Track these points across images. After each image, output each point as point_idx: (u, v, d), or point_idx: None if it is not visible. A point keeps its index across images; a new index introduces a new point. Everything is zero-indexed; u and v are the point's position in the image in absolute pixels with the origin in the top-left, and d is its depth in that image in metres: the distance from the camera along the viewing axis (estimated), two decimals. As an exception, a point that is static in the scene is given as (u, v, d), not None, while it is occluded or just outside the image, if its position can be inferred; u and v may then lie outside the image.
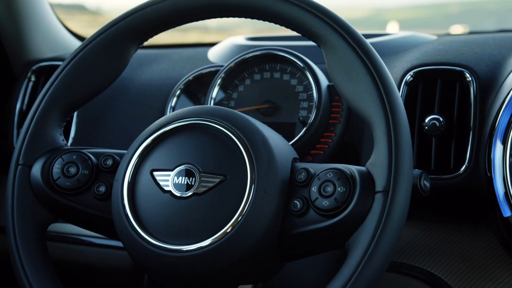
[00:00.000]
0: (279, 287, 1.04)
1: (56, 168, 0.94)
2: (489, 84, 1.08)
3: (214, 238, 0.81)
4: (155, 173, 0.88)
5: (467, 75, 1.10)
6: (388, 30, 1.55)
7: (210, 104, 1.20)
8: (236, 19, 0.97)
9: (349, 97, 0.86)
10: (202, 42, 1.72)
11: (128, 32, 0.97)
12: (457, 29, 1.80)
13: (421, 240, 1.17)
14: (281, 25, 0.92)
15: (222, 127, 0.87)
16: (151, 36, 0.99)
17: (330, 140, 1.14)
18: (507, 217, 0.97)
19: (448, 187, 1.07)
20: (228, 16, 0.95)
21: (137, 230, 0.85)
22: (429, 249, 1.16)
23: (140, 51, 1.55)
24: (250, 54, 1.20)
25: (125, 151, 0.93)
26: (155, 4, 0.95)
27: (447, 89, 1.11)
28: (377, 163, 0.81)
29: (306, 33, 0.90)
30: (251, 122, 0.88)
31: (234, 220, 0.81)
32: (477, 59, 1.13)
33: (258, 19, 0.94)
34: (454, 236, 1.15)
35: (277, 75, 1.21)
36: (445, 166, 1.09)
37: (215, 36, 1.53)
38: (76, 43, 1.71)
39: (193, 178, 0.85)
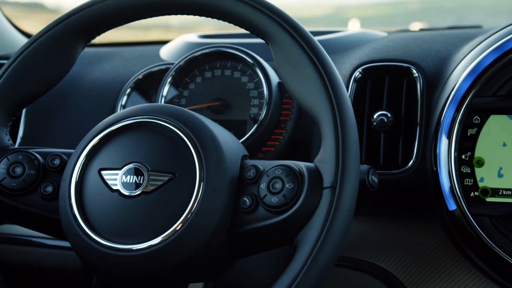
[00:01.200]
0: (230, 285, 1.04)
1: (1, 168, 0.92)
2: (435, 80, 1.10)
3: (164, 236, 0.81)
4: (103, 172, 0.87)
5: (414, 71, 1.11)
6: (349, 27, 1.57)
7: (160, 102, 1.19)
8: (199, 17, 0.96)
9: (297, 94, 0.87)
10: (155, 40, 1.71)
11: (74, 30, 0.96)
12: (416, 26, 1.82)
13: (371, 234, 1.18)
14: (229, 22, 0.92)
15: (171, 125, 0.86)
16: (98, 34, 0.98)
17: (281, 137, 1.14)
18: (452, 211, 0.99)
19: (397, 182, 1.08)
20: (175, 14, 0.95)
21: (85, 230, 0.84)
22: (378, 244, 1.18)
23: (91, 49, 1.53)
24: (200, 52, 1.20)
25: (73, 151, 0.92)
26: (101, 2, 0.93)
27: (395, 85, 1.13)
28: (324, 159, 0.82)
29: (254, 31, 0.90)
30: (200, 119, 0.88)
31: (184, 218, 0.81)
32: (424, 56, 1.14)
33: (206, 16, 0.93)
34: (403, 230, 1.17)
35: (228, 72, 1.21)
36: (393, 161, 1.11)
37: (177, 34, 1.53)
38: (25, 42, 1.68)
39: (142, 177, 0.84)
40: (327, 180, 0.80)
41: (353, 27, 1.98)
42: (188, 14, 0.94)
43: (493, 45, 1.00)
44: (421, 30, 1.55)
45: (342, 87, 0.84)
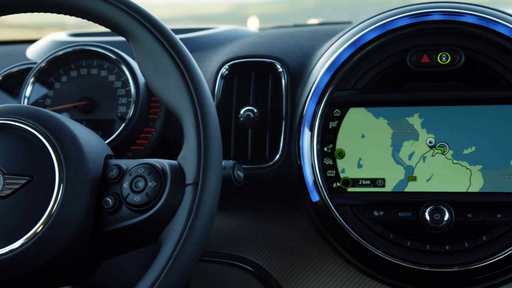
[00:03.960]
0: (98, 286, 1.03)
1: None
2: (299, 75, 1.13)
3: (25, 239, 0.79)
4: None
5: (278, 66, 1.14)
6: (248, 25, 1.56)
7: (24, 103, 1.16)
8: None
9: (159, 92, 0.86)
10: (23, 39, 1.65)
11: None
12: (313, 22, 1.85)
13: (241, 229, 1.20)
14: (89, 20, 0.90)
15: (27, 126, 0.84)
16: None
17: (150, 135, 1.14)
18: (315, 202, 1.02)
19: (265, 176, 1.10)
20: (31, 12, 0.92)
21: None
22: (248, 238, 1.19)
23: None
24: (62, 51, 1.17)
25: None
26: None
27: (261, 81, 1.15)
28: (187, 156, 0.82)
29: (114, 28, 0.89)
30: (59, 120, 0.86)
31: (44, 220, 0.79)
32: (289, 51, 1.17)
33: (65, 14, 0.91)
34: (273, 223, 1.19)
35: (94, 71, 1.19)
36: (261, 156, 1.13)
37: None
38: None
39: None
40: (190, 177, 0.80)
41: (252, 25, 1.99)
42: (44, 11, 0.92)
43: (349, 40, 1.03)
44: (294, 26, 1.58)
45: (203, 83, 0.85)
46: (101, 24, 0.90)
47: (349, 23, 1.47)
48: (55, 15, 0.93)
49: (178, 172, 0.82)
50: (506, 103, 0.99)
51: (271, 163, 1.10)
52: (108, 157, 0.89)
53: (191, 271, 0.79)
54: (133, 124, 1.11)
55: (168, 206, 0.80)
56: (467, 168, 0.99)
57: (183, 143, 0.83)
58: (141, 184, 0.82)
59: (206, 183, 0.80)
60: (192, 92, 0.83)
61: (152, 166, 0.82)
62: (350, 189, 1.02)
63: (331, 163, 1.03)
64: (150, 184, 0.81)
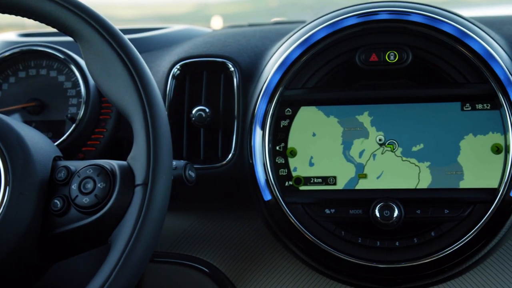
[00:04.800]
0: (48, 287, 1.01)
1: None
2: (250, 74, 1.13)
3: None
4: None
5: (230, 66, 1.14)
6: (211, 24, 1.55)
7: None
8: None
9: (108, 92, 0.86)
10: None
11: None
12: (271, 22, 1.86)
13: (195, 229, 1.20)
14: (35, 20, 0.89)
15: None
16: None
17: (102, 136, 1.13)
18: (267, 201, 1.02)
19: (218, 176, 1.10)
20: (-26, 12, 0.90)
21: None
22: (202, 238, 1.19)
23: None
24: (8, 52, 1.16)
25: None
26: None
27: (213, 81, 1.15)
28: (136, 156, 0.81)
29: (61, 28, 0.88)
30: (5, 122, 0.85)
31: None
32: (241, 51, 1.17)
33: (10, 14, 0.90)
34: (226, 222, 1.20)
35: (43, 72, 1.17)
36: (214, 155, 1.13)
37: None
38: None
39: None
40: (139, 177, 0.80)
41: (216, 24, 1.98)
42: None
43: (299, 39, 1.04)
44: (249, 25, 1.58)
45: (152, 83, 0.84)
46: (48, 24, 0.89)
47: (303, 22, 1.48)
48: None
49: (128, 172, 0.81)
50: (452, 101, 1.00)
51: (223, 162, 1.10)
52: (56, 158, 0.88)
53: (142, 272, 0.79)
54: (83, 125, 1.10)
55: (117, 207, 0.80)
56: (416, 165, 1.01)
57: (133, 144, 0.82)
58: (89, 185, 0.81)
59: (156, 183, 0.79)
60: (141, 92, 0.82)
61: (100, 167, 0.82)
62: (302, 188, 1.03)
63: (283, 161, 1.03)
64: (99, 185, 0.81)
